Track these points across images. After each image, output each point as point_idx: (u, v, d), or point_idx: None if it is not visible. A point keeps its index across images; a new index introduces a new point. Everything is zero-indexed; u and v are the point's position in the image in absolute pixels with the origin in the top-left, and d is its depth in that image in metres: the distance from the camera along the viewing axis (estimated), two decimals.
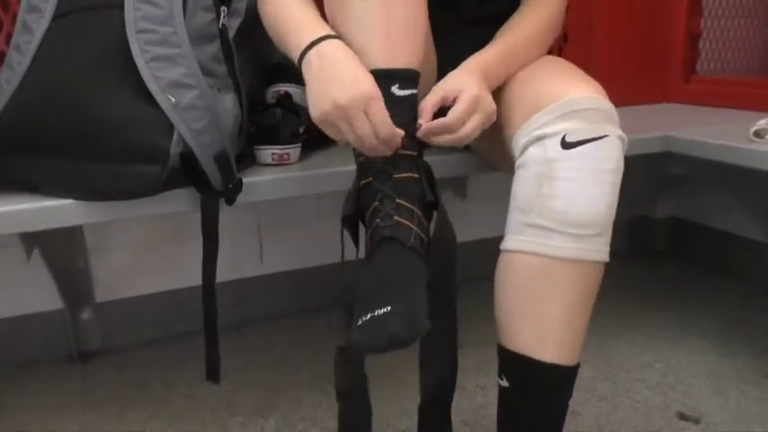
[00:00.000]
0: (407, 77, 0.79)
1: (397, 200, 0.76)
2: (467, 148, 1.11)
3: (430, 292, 0.73)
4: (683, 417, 1.21)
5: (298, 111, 1.13)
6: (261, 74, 1.18)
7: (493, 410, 1.23)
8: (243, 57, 1.07)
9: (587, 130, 0.77)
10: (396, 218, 0.75)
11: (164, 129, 0.86)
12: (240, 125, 1.03)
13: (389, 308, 0.69)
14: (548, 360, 0.79)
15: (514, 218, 0.81)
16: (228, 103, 0.99)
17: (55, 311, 1.48)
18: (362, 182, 0.80)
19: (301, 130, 1.10)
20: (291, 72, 1.17)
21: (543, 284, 0.79)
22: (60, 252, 1.39)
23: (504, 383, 0.84)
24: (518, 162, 0.82)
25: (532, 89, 0.85)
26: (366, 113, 0.74)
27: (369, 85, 0.75)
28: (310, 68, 0.79)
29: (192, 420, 1.25)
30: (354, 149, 0.82)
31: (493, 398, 1.27)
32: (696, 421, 1.19)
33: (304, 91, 1.14)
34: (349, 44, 0.79)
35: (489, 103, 0.82)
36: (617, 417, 1.21)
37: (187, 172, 0.89)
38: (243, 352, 1.51)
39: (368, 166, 0.79)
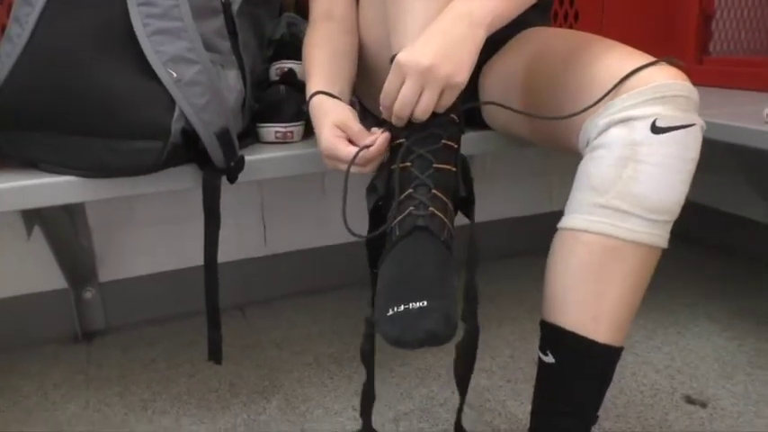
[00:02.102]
0: None
1: (434, 190, 0.75)
2: (484, 126, 1.10)
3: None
4: (689, 400, 1.19)
5: (302, 88, 1.11)
6: (264, 50, 1.16)
7: (497, 393, 1.23)
8: (246, 33, 1.05)
9: (678, 118, 0.76)
10: (431, 208, 0.74)
11: (165, 104, 0.84)
12: (243, 102, 1.02)
13: (425, 302, 0.68)
14: (601, 340, 0.79)
15: (586, 198, 0.79)
16: (231, 79, 0.98)
17: (58, 291, 1.48)
18: (400, 165, 0.78)
19: (305, 107, 1.08)
20: (295, 48, 1.15)
21: (608, 265, 0.78)
22: (62, 231, 1.38)
23: (549, 359, 0.83)
24: (596, 142, 0.79)
25: (609, 70, 0.81)
26: (335, 159, 0.87)
27: (323, 145, 0.88)
28: (311, 115, 0.94)
29: (195, 400, 1.24)
30: (387, 126, 0.82)
31: (497, 381, 1.27)
32: (703, 405, 1.18)
33: None
34: (402, 24, 0.80)
35: (446, 70, 0.76)
36: (623, 400, 1.20)
37: (189, 149, 0.87)
38: (246, 332, 1.50)
39: (406, 151, 0.77)
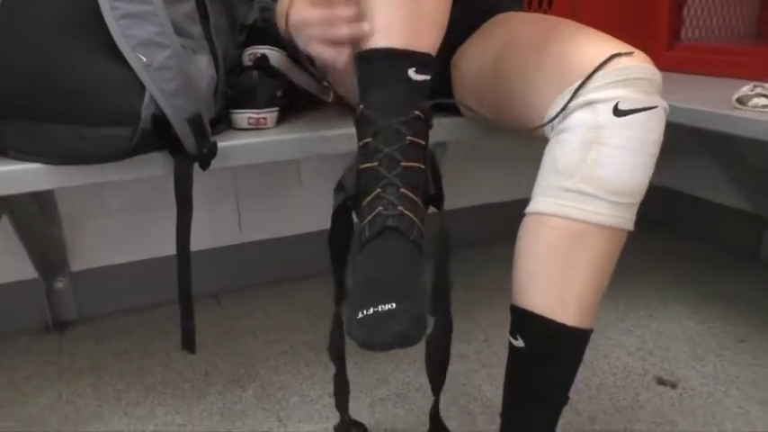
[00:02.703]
0: (425, 63, 0.77)
1: (402, 189, 0.74)
2: (457, 113, 1.09)
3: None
4: (660, 381, 1.22)
5: (275, 74, 1.10)
6: (237, 36, 1.14)
7: (472, 378, 1.24)
8: (218, 17, 1.04)
9: (640, 100, 0.76)
10: (400, 207, 0.73)
11: (135, 90, 0.82)
12: (215, 88, 1.00)
13: (394, 305, 0.68)
14: (569, 323, 0.80)
15: (551, 181, 0.80)
16: (203, 64, 0.96)
17: (28, 281, 1.45)
18: (365, 165, 0.77)
19: (279, 93, 1.07)
20: (268, 34, 1.14)
21: (575, 249, 0.79)
22: (31, 220, 1.35)
23: (519, 343, 0.84)
24: (559, 127, 0.80)
25: (575, 53, 0.81)
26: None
27: (292, 18, 0.85)
28: None
29: (170, 390, 1.23)
30: (356, 130, 0.80)
31: (472, 365, 1.28)
32: (673, 385, 1.20)
33: (282, 54, 1.13)
34: (371, 18, 0.77)
35: None
36: (596, 381, 1.22)
37: (159, 135, 0.86)
38: (221, 321, 1.49)
39: (373, 149, 0.76)
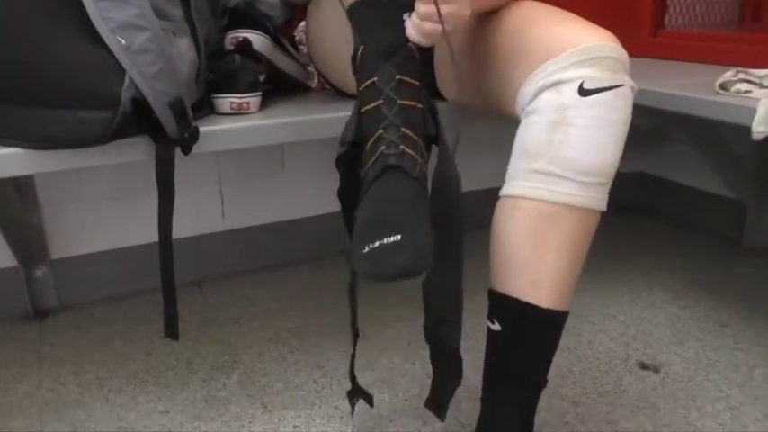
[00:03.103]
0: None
1: (403, 129, 0.74)
2: (440, 98, 1.09)
3: (436, 232, 0.71)
4: (643, 366, 1.23)
5: (258, 58, 1.09)
6: (219, 19, 1.13)
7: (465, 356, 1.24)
8: (199, 0, 1.02)
9: (606, 79, 0.76)
10: (401, 147, 0.73)
11: (114, 72, 0.81)
12: (197, 72, 0.99)
13: (399, 237, 0.68)
14: (542, 305, 0.80)
15: (521, 164, 0.80)
16: (184, 47, 0.95)
17: (8, 269, 1.43)
18: (365, 108, 0.77)
19: (261, 78, 1.06)
20: (251, 17, 1.13)
21: (546, 230, 0.79)
22: (10, 207, 1.33)
23: (496, 327, 0.84)
24: (529, 108, 0.80)
25: (543, 34, 0.82)
26: None
27: None
28: None
29: (153, 378, 1.22)
30: (356, 76, 0.80)
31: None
32: (656, 370, 1.21)
33: (264, 37, 1.12)
34: None
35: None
36: (579, 366, 1.23)
37: (140, 119, 0.85)
38: (204, 309, 1.48)
39: (373, 92, 0.76)
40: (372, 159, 0.74)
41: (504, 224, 0.82)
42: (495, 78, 0.87)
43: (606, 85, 0.76)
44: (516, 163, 0.81)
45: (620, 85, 0.77)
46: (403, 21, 0.77)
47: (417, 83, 0.77)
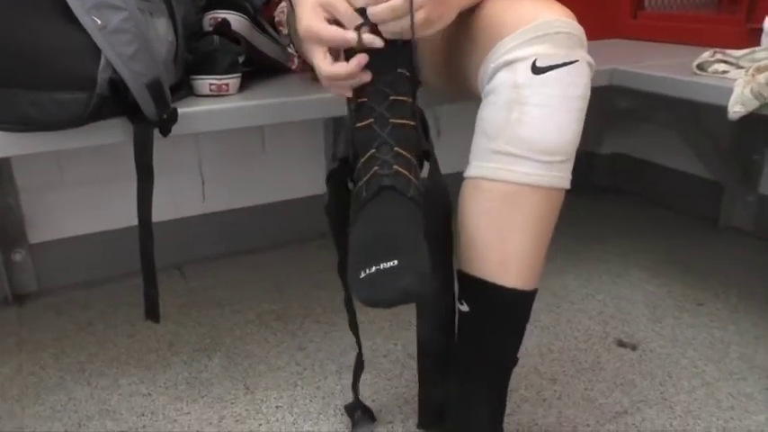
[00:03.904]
0: None
1: (396, 148, 0.74)
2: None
3: (428, 244, 0.72)
4: (621, 344, 1.25)
5: (237, 39, 1.08)
6: None
7: None
8: None
9: (559, 55, 0.75)
10: (395, 167, 0.73)
11: (90, 53, 0.80)
12: (175, 52, 0.98)
13: (396, 261, 0.68)
14: (509, 285, 0.80)
15: (481, 145, 0.80)
16: (161, 28, 0.94)
17: None
18: (357, 124, 0.76)
19: (241, 59, 1.05)
20: None
21: (508, 210, 0.78)
22: None
23: (465, 308, 0.85)
24: (486, 89, 0.79)
25: (498, 13, 0.81)
26: (317, 42, 0.76)
27: (303, 24, 0.75)
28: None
29: (134, 360, 1.22)
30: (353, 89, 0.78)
31: None
32: (633, 347, 1.23)
33: (244, 18, 1.11)
34: None
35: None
36: (558, 345, 1.24)
37: (117, 100, 0.84)
38: (185, 292, 1.48)
39: (365, 110, 0.76)
40: (366, 178, 0.74)
41: (469, 205, 0.82)
42: (461, 60, 0.87)
43: (560, 61, 0.75)
44: (477, 144, 0.81)
45: (575, 61, 0.76)
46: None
47: (410, 99, 0.76)
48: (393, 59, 0.75)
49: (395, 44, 0.75)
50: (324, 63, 0.76)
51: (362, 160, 0.75)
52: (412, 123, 0.76)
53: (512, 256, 0.80)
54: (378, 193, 0.73)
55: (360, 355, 0.98)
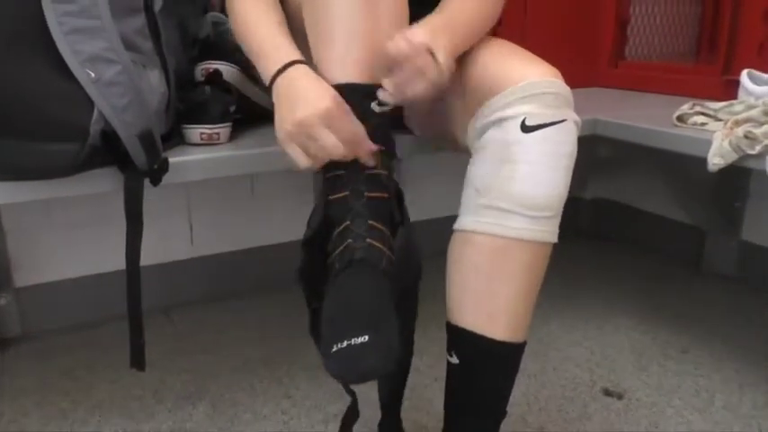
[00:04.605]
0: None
1: (370, 221, 0.75)
2: (404, 128, 1.10)
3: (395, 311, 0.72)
4: (607, 392, 1.25)
5: (228, 89, 1.10)
6: (189, 50, 1.13)
7: (424, 392, 1.24)
8: (170, 32, 1.03)
9: (547, 115, 0.78)
10: (368, 240, 0.74)
11: (83, 105, 0.81)
12: (167, 103, 1.00)
13: (366, 338, 0.69)
14: (498, 338, 0.81)
15: (471, 199, 0.81)
16: (154, 79, 0.96)
17: None
18: (332, 197, 0.77)
19: (232, 108, 1.07)
20: (221, 48, 1.14)
21: (498, 264, 0.80)
22: None
23: (454, 360, 0.85)
24: (477, 145, 0.82)
25: (488, 71, 0.84)
26: (329, 128, 0.74)
27: (328, 101, 0.74)
28: (278, 94, 0.80)
29: (118, 408, 1.21)
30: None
31: (424, 379, 1.28)
32: (620, 396, 1.23)
33: (235, 68, 1.13)
34: (323, 52, 0.79)
35: (438, 67, 0.77)
36: (545, 394, 1.24)
37: (109, 151, 0.85)
38: (171, 337, 1.47)
39: (340, 182, 0.77)
40: (339, 250, 0.74)
41: (458, 258, 0.83)
42: (450, 115, 0.89)
43: (548, 120, 0.78)
44: (467, 198, 0.83)
45: (563, 120, 0.78)
46: None
47: (386, 172, 0.78)
48: (370, 133, 0.77)
49: (372, 116, 0.77)
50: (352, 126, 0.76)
51: (337, 231, 0.76)
52: (386, 196, 0.77)
53: (501, 309, 0.81)
54: (349, 264, 0.73)
55: (354, 403, 0.96)
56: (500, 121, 0.79)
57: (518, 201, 0.78)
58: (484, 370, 0.84)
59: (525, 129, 0.77)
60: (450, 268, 0.85)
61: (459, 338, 0.84)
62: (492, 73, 0.82)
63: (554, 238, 0.82)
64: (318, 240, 0.78)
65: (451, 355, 0.85)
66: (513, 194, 0.78)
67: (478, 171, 0.81)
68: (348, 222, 0.75)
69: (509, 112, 0.78)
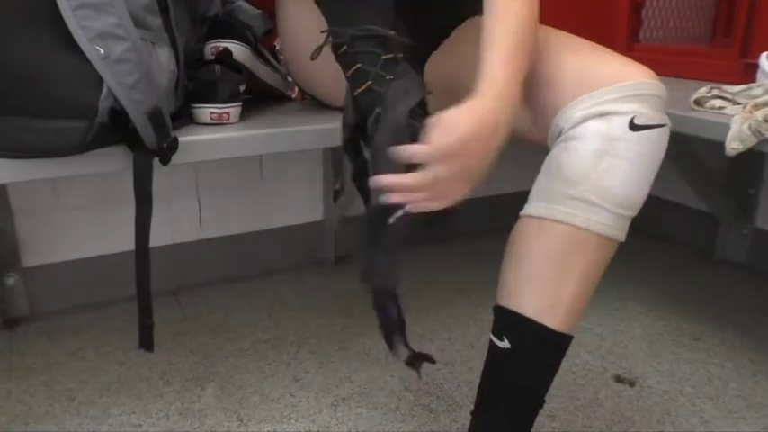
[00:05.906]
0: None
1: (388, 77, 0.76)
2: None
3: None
4: (618, 379, 1.24)
5: (238, 68, 1.08)
6: (198, 28, 1.12)
7: (435, 376, 1.24)
8: (179, 9, 1.01)
9: (654, 117, 0.78)
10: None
11: (91, 82, 0.80)
12: (176, 81, 0.98)
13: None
14: (557, 328, 0.80)
15: (555, 187, 0.80)
16: (163, 57, 0.94)
17: None
18: (357, 90, 0.78)
19: (242, 88, 1.05)
20: (231, 27, 1.12)
21: (572, 255, 0.79)
22: None
23: (504, 344, 0.84)
24: (570, 133, 0.79)
25: (574, 65, 0.82)
26: None
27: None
28: None
29: (125, 389, 1.20)
30: (341, 66, 0.80)
31: (435, 364, 1.27)
32: (631, 383, 1.22)
33: (245, 47, 1.11)
34: None
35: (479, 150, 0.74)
36: (556, 381, 1.21)
37: (118, 129, 0.83)
38: (179, 319, 1.46)
39: (362, 73, 0.77)
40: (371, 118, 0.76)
41: (528, 244, 0.82)
42: (531, 102, 0.85)
43: (655, 122, 0.78)
44: (548, 185, 0.80)
45: (665, 125, 0.79)
46: None
47: (400, 54, 0.78)
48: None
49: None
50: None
51: (371, 119, 0.76)
52: (400, 55, 0.78)
53: (565, 300, 0.80)
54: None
55: (400, 310, 0.83)
56: (606, 114, 0.77)
57: (608, 196, 0.77)
58: (536, 358, 0.84)
59: (633, 127, 0.77)
60: (514, 253, 0.83)
61: (515, 324, 0.82)
62: (584, 67, 0.81)
63: (624, 238, 0.82)
64: (356, 140, 0.81)
65: (502, 339, 0.84)
66: (606, 189, 0.77)
67: (569, 160, 0.79)
68: (379, 109, 0.76)
69: (618, 107, 0.77)
